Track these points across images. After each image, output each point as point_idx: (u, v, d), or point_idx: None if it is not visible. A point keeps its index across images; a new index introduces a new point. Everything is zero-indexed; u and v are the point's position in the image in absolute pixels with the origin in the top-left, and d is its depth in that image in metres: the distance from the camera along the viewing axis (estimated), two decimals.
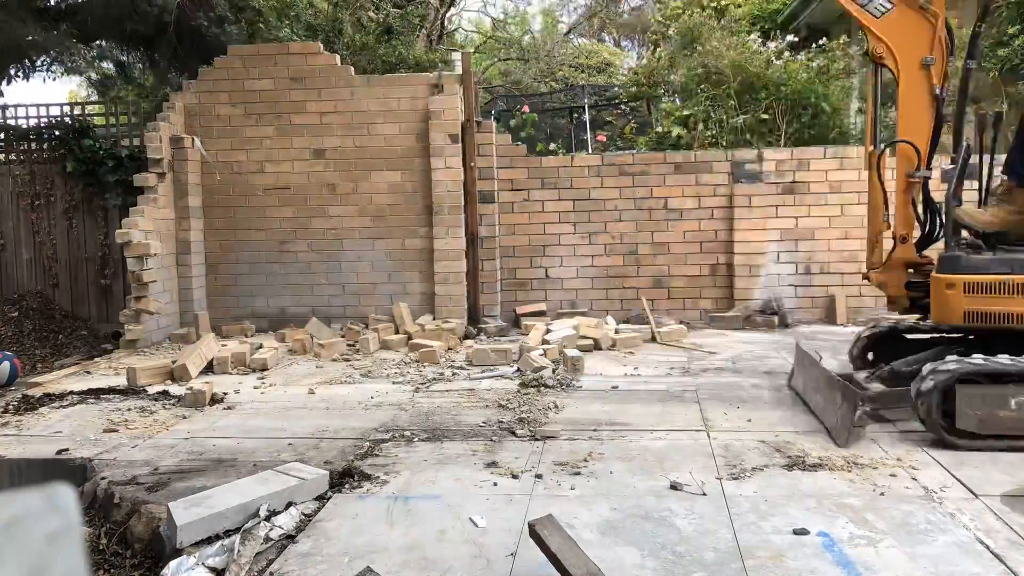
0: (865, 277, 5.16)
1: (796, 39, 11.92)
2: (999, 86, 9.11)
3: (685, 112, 9.76)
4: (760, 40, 10.42)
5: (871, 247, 5.04)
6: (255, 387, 5.98)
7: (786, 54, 9.95)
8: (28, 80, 10.53)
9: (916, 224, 4.93)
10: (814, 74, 9.43)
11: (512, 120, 11.65)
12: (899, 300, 4.94)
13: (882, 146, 5.00)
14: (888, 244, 5.00)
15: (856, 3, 4.65)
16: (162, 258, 8.24)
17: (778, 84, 9.12)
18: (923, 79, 4.65)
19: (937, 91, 4.64)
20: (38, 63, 10.64)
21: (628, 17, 21.49)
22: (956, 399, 4.00)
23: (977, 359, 4.10)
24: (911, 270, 4.91)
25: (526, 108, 12.63)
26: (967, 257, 4.43)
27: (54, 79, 11.11)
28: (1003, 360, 4.06)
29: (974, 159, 4.74)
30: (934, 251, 4.88)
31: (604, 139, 11.91)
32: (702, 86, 9.56)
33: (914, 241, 4.91)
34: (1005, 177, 4.66)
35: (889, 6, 4.56)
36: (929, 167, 4.73)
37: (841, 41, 10.26)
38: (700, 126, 9.32)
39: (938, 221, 4.84)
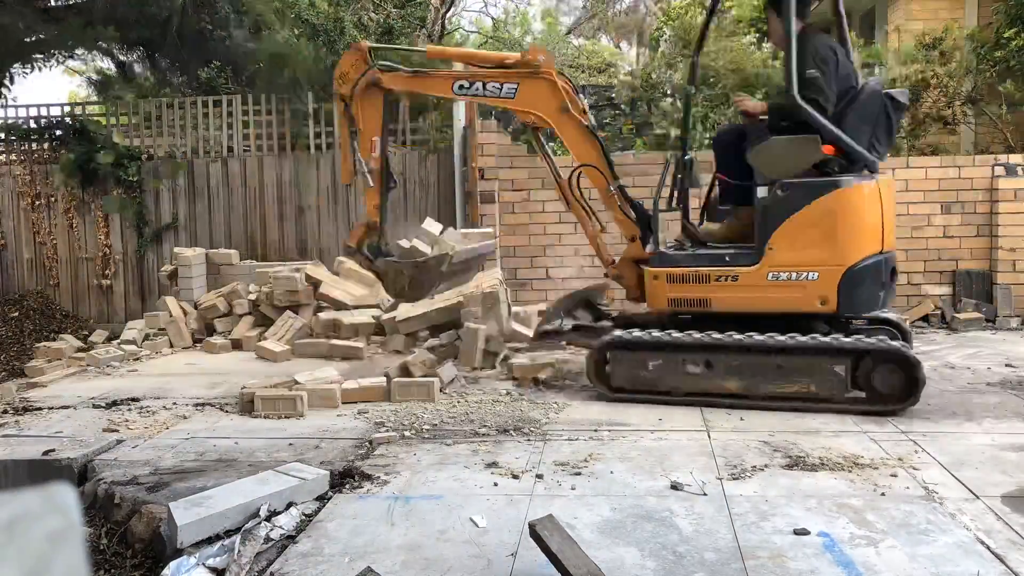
0: (606, 274, 5.95)
1: None
2: (996, 87, 9.11)
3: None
4: (757, 41, 10.41)
5: (597, 251, 5.90)
6: None
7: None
8: (40, 70, 10.50)
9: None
10: None
11: (510, 126, 11.67)
12: (632, 290, 5.72)
13: (569, 173, 5.81)
14: (608, 247, 5.95)
15: (495, 97, 5.58)
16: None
17: (776, 84, 9.11)
18: (569, 120, 5.49)
19: (586, 124, 5.50)
20: (39, 62, 10.65)
21: (623, 18, 21.49)
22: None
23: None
24: (641, 265, 5.61)
25: None
26: (671, 254, 5.36)
27: (52, 68, 11.09)
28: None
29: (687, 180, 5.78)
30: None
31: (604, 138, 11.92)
32: (700, 87, 9.56)
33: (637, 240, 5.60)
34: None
35: (514, 86, 5.48)
36: (616, 178, 5.56)
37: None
38: (699, 126, 9.32)
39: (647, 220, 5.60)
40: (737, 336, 4.94)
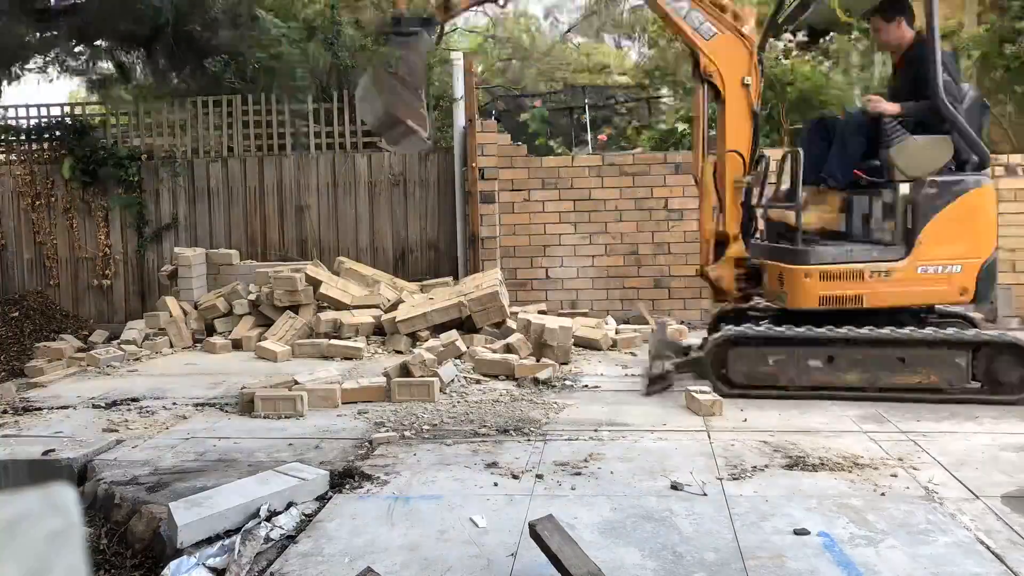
0: (700, 275, 5.83)
1: (794, 39, 11.90)
2: (1006, 83, 9.09)
3: (691, 113, 9.75)
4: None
5: (705, 247, 5.75)
6: None
7: (794, 53, 9.97)
8: (21, 79, 10.48)
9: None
10: (819, 74, 9.44)
11: (524, 113, 11.66)
12: (730, 292, 5.74)
13: (711, 156, 5.66)
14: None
15: (690, 25, 5.28)
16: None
17: (783, 82, 9.12)
18: (743, 96, 5.39)
19: (754, 108, 5.45)
20: (35, 64, 10.63)
21: (627, 17, 21.47)
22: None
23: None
24: (739, 265, 5.68)
25: (538, 103, 12.62)
26: (823, 250, 5.32)
27: (50, 80, 11.09)
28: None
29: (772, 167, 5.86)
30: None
31: (605, 139, 11.92)
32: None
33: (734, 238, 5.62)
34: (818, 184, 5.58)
35: (714, 31, 5.24)
36: (749, 174, 5.54)
37: (850, 38, 10.25)
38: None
39: (753, 221, 5.75)
40: (865, 329, 5.06)
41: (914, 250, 5.18)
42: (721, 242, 5.66)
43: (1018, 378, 4.96)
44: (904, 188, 5.23)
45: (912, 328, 5.11)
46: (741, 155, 5.48)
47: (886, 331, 5.04)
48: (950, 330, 5.12)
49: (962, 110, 5.19)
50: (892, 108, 5.35)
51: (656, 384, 5.40)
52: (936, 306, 5.60)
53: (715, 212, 5.71)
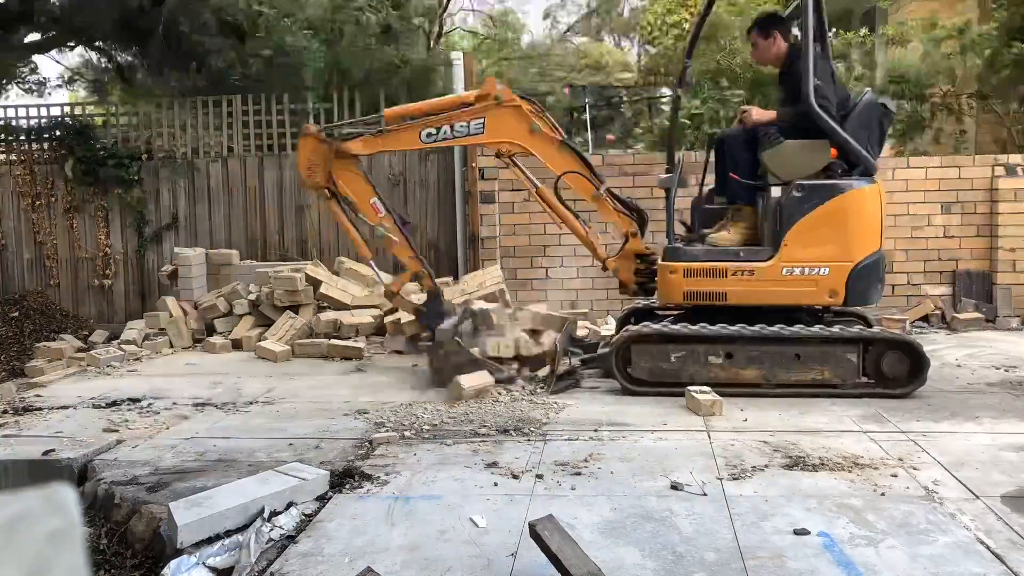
0: (604, 268, 6.07)
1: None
2: (1012, 81, 9.07)
3: (694, 111, 9.75)
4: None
5: (591, 249, 6.12)
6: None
7: None
8: (24, 85, 10.51)
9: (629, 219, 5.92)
10: None
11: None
12: (629, 285, 5.96)
13: (545, 182, 6.00)
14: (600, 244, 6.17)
15: (464, 136, 5.72)
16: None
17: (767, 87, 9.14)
18: (541, 139, 5.73)
19: (558, 139, 5.76)
20: (34, 69, 10.66)
21: (628, 17, 21.49)
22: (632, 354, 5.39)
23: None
24: (639, 260, 5.92)
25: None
26: (688, 249, 5.53)
27: (54, 86, 11.11)
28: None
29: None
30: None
31: (613, 139, 11.94)
32: (716, 81, 9.57)
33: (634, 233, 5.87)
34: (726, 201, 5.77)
35: (481, 121, 5.66)
36: (602, 181, 5.82)
37: (855, 35, 10.25)
38: (705, 125, 9.32)
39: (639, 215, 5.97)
40: (760, 327, 5.21)
41: (779, 252, 5.30)
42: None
43: (905, 372, 5.17)
44: (775, 191, 5.35)
45: (801, 326, 5.26)
46: (581, 173, 5.76)
47: (777, 328, 5.21)
48: (837, 327, 5.28)
49: (850, 116, 5.27)
50: (766, 116, 5.52)
51: (563, 381, 5.60)
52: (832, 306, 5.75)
53: (583, 223, 6.16)
